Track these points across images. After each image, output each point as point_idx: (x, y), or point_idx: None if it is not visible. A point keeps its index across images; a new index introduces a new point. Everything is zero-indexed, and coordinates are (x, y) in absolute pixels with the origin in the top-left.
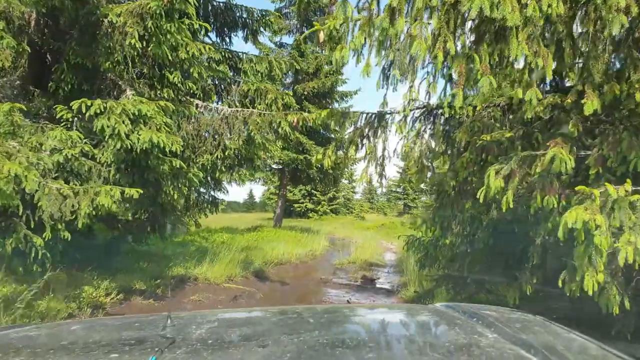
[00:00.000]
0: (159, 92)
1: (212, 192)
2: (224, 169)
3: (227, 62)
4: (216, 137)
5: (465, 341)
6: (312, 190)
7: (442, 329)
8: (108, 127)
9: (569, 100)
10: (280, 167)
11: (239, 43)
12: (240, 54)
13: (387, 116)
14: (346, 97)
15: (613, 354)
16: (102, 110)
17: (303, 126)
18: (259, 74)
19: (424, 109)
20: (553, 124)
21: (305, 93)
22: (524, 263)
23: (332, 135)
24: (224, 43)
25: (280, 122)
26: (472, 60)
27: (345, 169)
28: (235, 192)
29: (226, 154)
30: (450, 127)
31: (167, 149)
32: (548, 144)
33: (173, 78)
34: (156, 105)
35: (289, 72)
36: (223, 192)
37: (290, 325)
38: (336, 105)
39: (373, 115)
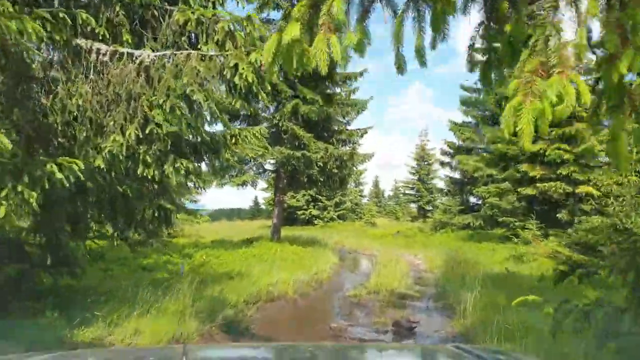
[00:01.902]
0: None
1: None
2: (149, 159)
3: None
4: (132, 103)
5: None
6: (317, 195)
7: None
8: None
9: None
10: (275, 167)
11: None
12: None
13: None
14: (349, 79)
15: None
16: None
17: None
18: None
19: None
20: None
21: (298, 74)
22: None
23: (336, 127)
24: None
25: (236, 67)
26: None
27: (354, 168)
28: (241, 197)
29: (149, 131)
30: None
31: None
32: None
33: None
34: None
35: None
36: (177, 200)
37: None
38: (337, 90)
39: None
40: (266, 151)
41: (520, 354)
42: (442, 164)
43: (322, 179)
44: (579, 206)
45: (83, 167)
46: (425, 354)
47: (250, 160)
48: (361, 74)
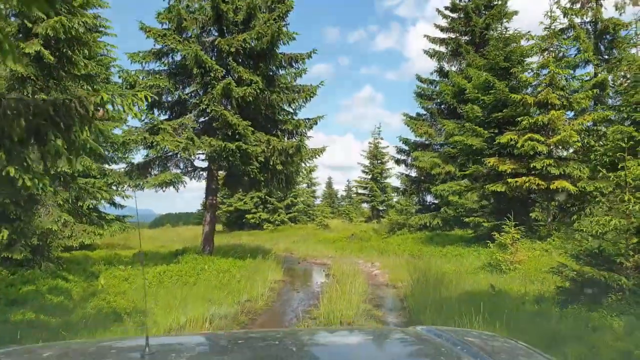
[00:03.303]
0: None
1: None
2: None
3: None
4: None
5: None
6: (267, 197)
7: (425, 357)
8: None
9: None
10: (206, 163)
11: None
12: None
13: None
14: (296, 61)
15: None
16: None
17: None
18: None
19: None
20: None
21: (232, 50)
22: None
23: (280, 117)
24: None
25: None
26: None
27: (302, 164)
28: (189, 201)
29: None
30: None
31: None
32: None
33: None
34: None
35: (210, 21)
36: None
37: (271, 354)
38: (281, 71)
39: None
40: (190, 143)
41: (489, 332)
42: (397, 161)
43: (264, 178)
44: (552, 203)
45: None
46: (389, 336)
47: (176, 156)
48: (309, 55)
